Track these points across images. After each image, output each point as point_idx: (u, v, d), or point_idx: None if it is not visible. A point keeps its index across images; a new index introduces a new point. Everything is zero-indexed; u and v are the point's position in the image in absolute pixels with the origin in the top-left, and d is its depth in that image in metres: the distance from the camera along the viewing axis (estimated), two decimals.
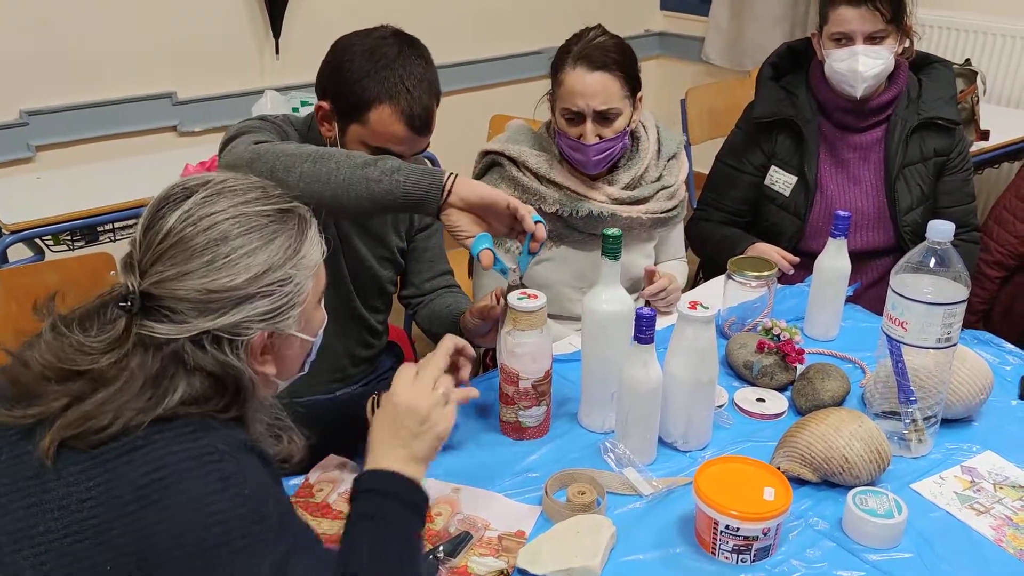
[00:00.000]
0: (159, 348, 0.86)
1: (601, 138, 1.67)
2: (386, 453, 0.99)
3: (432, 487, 1.20)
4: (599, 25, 1.70)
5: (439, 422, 1.02)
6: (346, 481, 1.22)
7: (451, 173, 1.22)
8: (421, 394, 1.02)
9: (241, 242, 0.87)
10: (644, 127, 1.82)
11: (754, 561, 1.08)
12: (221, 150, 1.36)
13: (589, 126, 1.65)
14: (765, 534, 1.06)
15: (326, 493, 1.20)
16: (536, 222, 1.22)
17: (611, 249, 1.26)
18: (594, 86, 1.63)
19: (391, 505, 0.96)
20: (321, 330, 1.03)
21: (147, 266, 0.86)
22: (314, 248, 0.95)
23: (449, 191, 1.20)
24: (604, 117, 1.66)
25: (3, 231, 2.04)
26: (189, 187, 0.90)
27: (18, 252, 2.18)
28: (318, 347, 1.05)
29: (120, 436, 0.82)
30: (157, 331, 0.85)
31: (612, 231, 1.25)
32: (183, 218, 0.87)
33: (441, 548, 1.08)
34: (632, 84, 1.68)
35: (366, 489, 0.97)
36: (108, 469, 0.81)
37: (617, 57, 1.65)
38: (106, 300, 0.90)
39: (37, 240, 2.15)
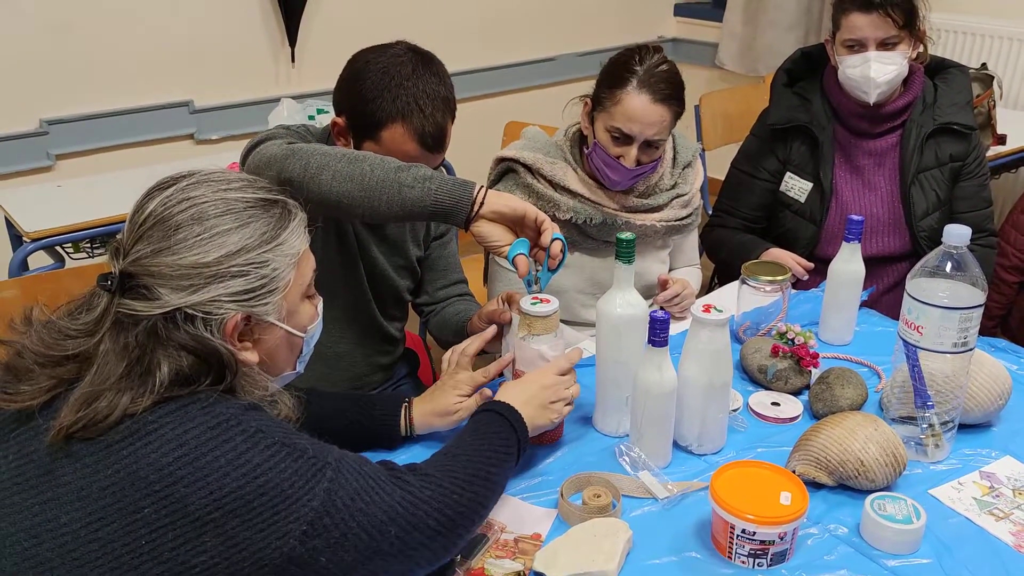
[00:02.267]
0: (136, 325, 0.87)
1: (640, 163, 1.68)
2: (513, 401, 1.17)
3: None
4: (660, 47, 1.69)
5: (557, 411, 1.23)
6: None
7: (481, 185, 1.23)
8: (560, 384, 1.23)
9: (216, 222, 0.90)
10: None
11: (771, 566, 1.07)
12: (244, 158, 1.37)
13: (634, 151, 1.65)
14: (782, 538, 1.06)
15: None
16: (554, 239, 1.23)
17: (625, 253, 1.27)
18: (653, 116, 1.62)
19: (495, 420, 1.13)
20: (314, 328, 1.05)
21: (128, 248, 0.90)
22: (296, 238, 0.97)
23: (481, 203, 1.21)
24: (651, 145, 1.67)
25: (24, 239, 2.07)
26: (175, 176, 0.95)
27: (39, 260, 2.20)
28: (312, 346, 1.06)
29: (124, 421, 0.83)
30: (134, 308, 0.87)
31: (625, 235, 1.26)
32: (163, 201, 0.91)
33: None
34: (679, 116, 1.69)
35: (485, 409, 1.16)
36: (125, 455, 0.82)
37: (677, 91, 1.65)
38: (93, 289, 0.93)
39: (57, 248, 2.18)
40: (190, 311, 0.88)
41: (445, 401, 1.29)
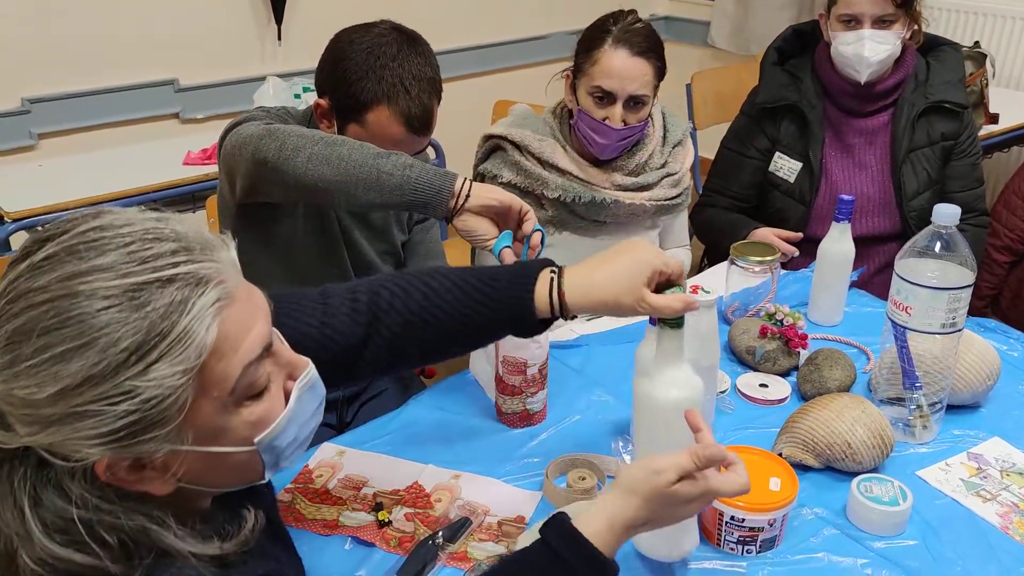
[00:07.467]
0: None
1: (626, 123, 1.66)
2: (616, 507, 0.86)
3: (432, 474, 1.20)
4: (634, 10, 1.70)
5: (680, 519, 0.91)
6: (345, 467, 1.22)
7: (465, 177, 1.20)
8: (692, 504, 0.88)
9: (50, 340, 0.62)
10: (650, 113, 1.81)
11: (759, 552, 1.06)
12: (222, 139, 1.35)
13: (619, 110, 1.65)
14: (771, 525, 1.05)
15: (325, 479, 1.19)
16: (535, 230, 1.21)
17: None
18: (633, 70, 1.63)
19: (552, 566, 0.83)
20: (276, 429, 0.73)
21: None
22: (201, 327, 0.65)
23: (467, 196, 1.18)
24: (635, 102, 1.66)
25: (5, 219, 2.05)
26: (42, 238, 0.67)
27: (20, 240, 2.18)
28: (289, 445, 0.76)
29: None
30: None
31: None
32: (5, 291, 0.64)
33: (440, 534, 1.07)
34: (662, 74, 1.69)
35: (552, 543, 0.84)
36: None
37: (655, 45, 1.66)
38: None
39: (39, 228, 2.16)
40: (45, 454, 0.64)
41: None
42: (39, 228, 2.14)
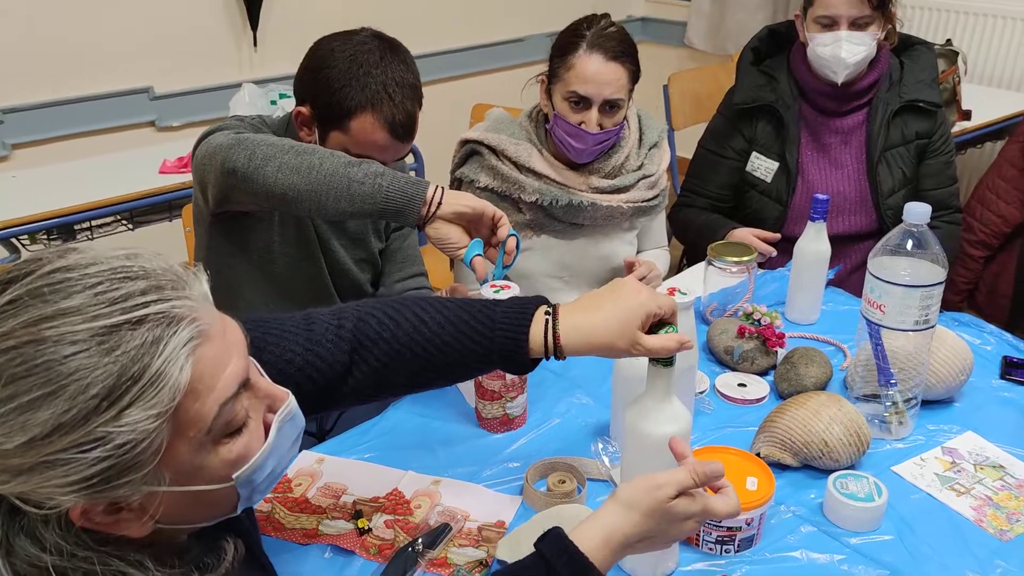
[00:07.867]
0: None
1: (602, 128, 1.67)
2: (614, 522, 0.84)
3: (412, 480, 1.20)
4: (607, 14, 1.71)
5: (674, 539, 0.90)
6: (324, 475, 1.21)
7: (437, 185, 1.20)
8: (688, 522, 0.87)
9: (16, 389, 0.60)
10: (626, 116, 1.82)
11: (738, 551, 1.07)
12: (195, 148, 1.34)
13: (594, 114, 1.65)
14: (748, 524, 1.06)
15: (304, 488, 1.19)
16: (509, 235, 1.21)
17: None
18: (608, 75, 1.63)
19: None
20: (254, 464, 0.72)
21: None
22: (174, 368, 0.63)
23: (439, 203, 1.18)
24: (610, 106, 1.66)
25: None
26: (4, 281, 0.64)
27: None
28: (267, 480, 0.76)
29: None
30: None
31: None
32: None
33: (420, 540, 1.07)
34: (636, 77, 1.70)
35: (548, 557, 0.82)
36: None
37: (629, 49, 1.67)
38: None
39: (13, 240, 2.13)
40: (17, 501, 0.63)
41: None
42: (12, 241, 2.12)
